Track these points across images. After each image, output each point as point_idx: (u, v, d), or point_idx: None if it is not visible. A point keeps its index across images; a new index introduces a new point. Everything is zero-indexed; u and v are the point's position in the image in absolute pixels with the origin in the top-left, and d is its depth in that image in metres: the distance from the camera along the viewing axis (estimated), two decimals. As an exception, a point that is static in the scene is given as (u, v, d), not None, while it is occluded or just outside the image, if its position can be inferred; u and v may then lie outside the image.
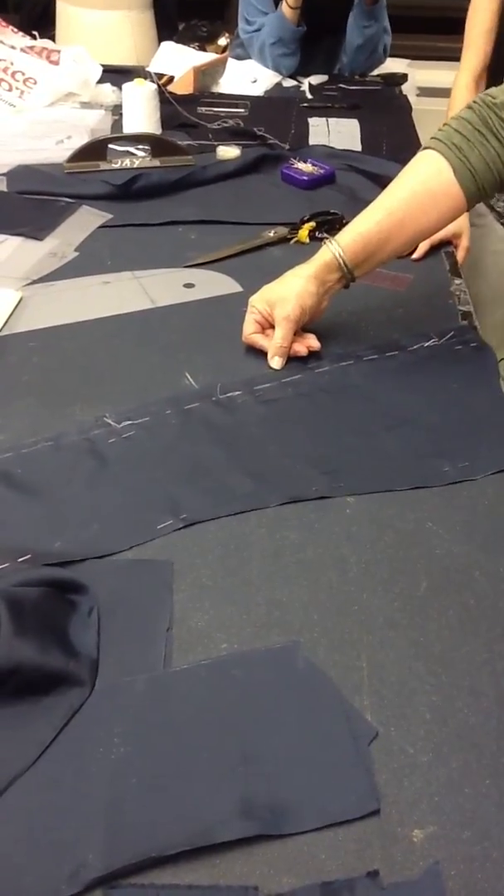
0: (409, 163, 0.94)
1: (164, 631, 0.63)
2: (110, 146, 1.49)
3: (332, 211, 1.25)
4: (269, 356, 0.94)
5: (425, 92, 2.63)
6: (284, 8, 1.84)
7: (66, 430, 0.84)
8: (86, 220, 1.30)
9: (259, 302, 0.95)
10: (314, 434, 0.84)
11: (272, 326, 0.95)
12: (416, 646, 0.62)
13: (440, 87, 2.58)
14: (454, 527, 0.73)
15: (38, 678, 0.58)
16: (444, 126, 0.92)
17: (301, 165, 1.42)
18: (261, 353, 0.96)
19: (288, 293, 0.93)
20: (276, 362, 0.94)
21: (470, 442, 0.82)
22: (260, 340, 0.96)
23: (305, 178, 1.39)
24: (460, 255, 1.20)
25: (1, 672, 0.56)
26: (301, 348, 0.95)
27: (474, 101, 0.92)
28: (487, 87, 1.24)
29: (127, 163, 1.48)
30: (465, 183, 0.89)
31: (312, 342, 0.96)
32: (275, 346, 0.94)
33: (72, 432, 0.84)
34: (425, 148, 0.93)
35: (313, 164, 1.42)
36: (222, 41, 2.64)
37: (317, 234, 1.22)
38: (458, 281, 1.12)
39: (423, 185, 0.90)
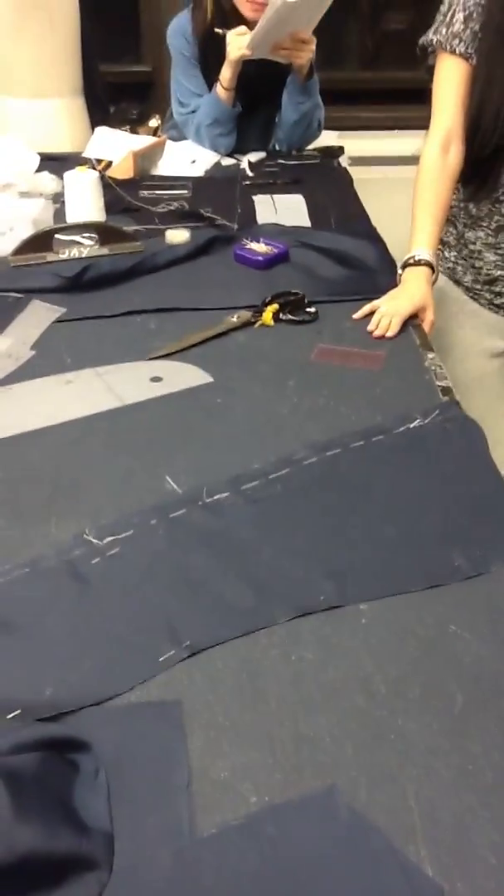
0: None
1: (184, 788, 0.56)
2: (56, 236, 1.45)
3: (293, 291, 1.23)
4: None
5: (357, 161, 2.69)
6: (219, 90, 1.86)
7: (43, 553, 0.77)
8: (38, 316, 1.24)
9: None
10: (312, 532, 0.79)
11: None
12: (465, 774, 0.56)
13: (371, 156, 2.65)
14: (477, 627, 0.68)
15: (48, 867, 0.50)
16: None
17: (254, 245, 1.40)
18: (242, 447, 0.92)
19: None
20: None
21: (477, 530, 0.78)
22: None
23: (261, 258, 1.37)
24: (426, 327, 1.19)
25: (3, 867, 0.48)
26: None
27: None
28: (464, 147, 1.28)
29: (75, 252, 1.44)
30: None
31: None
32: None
33: (49, 555, 0.77)
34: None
35: (266, 244, 1.40)
36: (153, 122, 2.65)
37: (280, 315, 1.19)
38: (430, 355, 1.10)
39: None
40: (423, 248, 1.25)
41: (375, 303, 1.21)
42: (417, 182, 1.31)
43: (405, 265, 1.26)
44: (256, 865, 0.51)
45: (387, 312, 1.17)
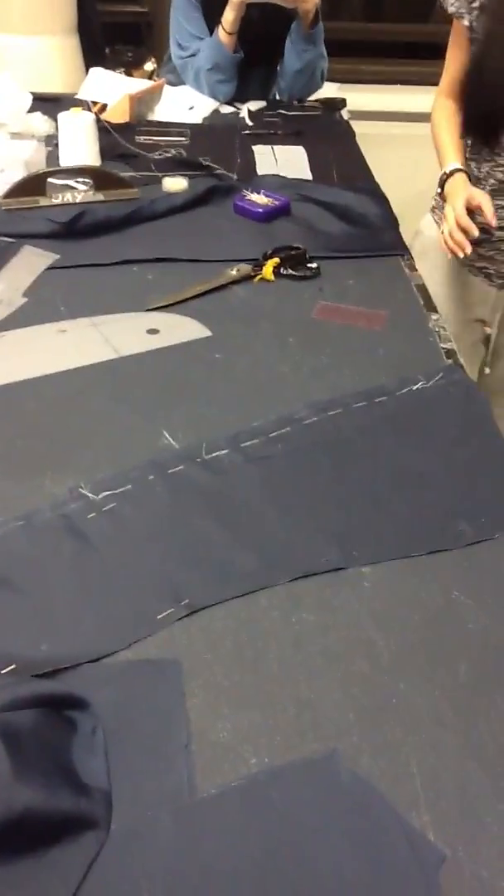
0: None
1: (183, 748, 0.55)
2: (49, 180, 1.40)
3: (294, 245, 1.20)
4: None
5: (357, 115, 2.63)
6: (220, 34, 1.79)
7: (38, 507, 0.75)
8: (31, 262, 1.20)
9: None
10: (314, 493, 0.77)
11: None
12: (469, 745, 0.55)
13: (371, 111, 2.59)
14: (482, 595, 0.67)
15: (46, 826, 0.49)
16: None
17: (254, 197, 1.36)
18: (241, 404, 0.89)
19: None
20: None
21: (482, 496, 0.77)
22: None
23: (260, 210, 1.33)
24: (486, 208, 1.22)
25: (3, 825, 0.47)
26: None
27: None
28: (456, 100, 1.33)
29: (69, 197, 1.39)
30: None
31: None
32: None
33: (44, 508, 0.74)
34: None
35: (266, 196, 1.36)
36: (148, 66, 2.57)
37: (281, 270, 1.16)
38: (434, 316, 1.08)
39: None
40: (454, 161, 1.31)
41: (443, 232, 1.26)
42: (433, 119, 1.38)
43: (442, 183, 1.32)
44: (256, 827, 0.50)
45: (452, 227, 1.23)
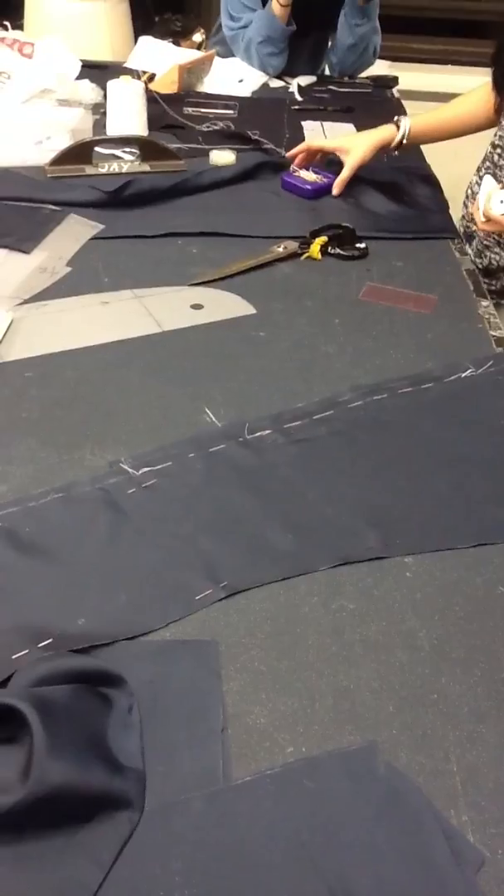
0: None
1: (219, 731, 0.54)
2: (96, 149, 1.39)
3: (343, 224, 1.17)
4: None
5: (406, 95, 2.57)
6: (274, 5, 1.75)
7: (77, 479, 0.74)
8: (76, 231, 1.19)
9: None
10: (357, 478, 0.76)
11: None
12: (512, 742, 0.54)
13: (423, 91, 2.53)
14: (528, 591, 0.65)
15: (79, 803, 0.48)
16: None
17: (303, 174, 1.33)
18: (285, 384, 0.88)
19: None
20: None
21: (530, 489, 0.75)
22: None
23: (309, 187, 1.30)
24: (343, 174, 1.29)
25: (35, 801, 0.46)
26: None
27: None
28: None
29: (115, 167, 1.38)
30: None
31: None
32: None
33: (84, 481, 0.74)
34: None
35: (316, 173, 1.33)
36: (197, 37, 2.53)
37: (329, 249, 1.14)
38: (485, 303, 1.05)
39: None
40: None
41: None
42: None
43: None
44: (290, 816, 0.49)
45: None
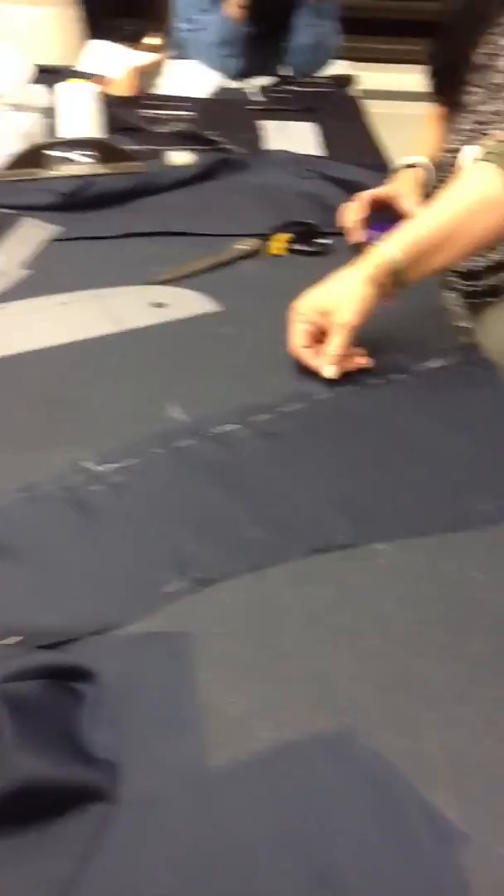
0: (463, 175, 0.93)
1: (194, 721, 0.53)
2: (50, 153, 1.37)
3: (305, 220, 1.17)
4: (322, 365, 0.86)
5: (369, 94, 2.59)
6: (230, 7, 1.76)
7: (40, 478, 0.72)
8: (32, 234, 1.18)
9: (309, 309, 0.87)
10: (326, 470, 0.75)
11: (321, 339, 0.87)
12: (490, 722, 0.54)
13: (384, 90, 2.54)
14: (500, 574, 0.65)
15: (50, 796, 0.47)
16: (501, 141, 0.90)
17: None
18: (250, 380, 0.87)
19: (346, 298, 0.85)
20: (330, 371, 0.86)
21: (499, 477, 0.75)
22: (311, 357, 0.87)
23: None
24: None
25: (7, 795, 0.45)
26: (353, 364, 0.88)
27: None
28: None
29: (70, 170, 1.36)
30: None
31: (362, 359, 0.89)
32: (331, 355, 0.85)
33: (48, 480, 0.72)
34: (478, 161, 0.90)
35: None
36: (149, 40, 2.52)
37: (292, 245, 1.14)
38: (449, 295, 1.06)
39: (479, 195, 0.87)
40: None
41: None
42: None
43: None
44: (270, 801, 0.49)
45: None
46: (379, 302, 0.87)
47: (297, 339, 0.87)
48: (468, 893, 0.44)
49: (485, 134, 1.17)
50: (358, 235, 1.16)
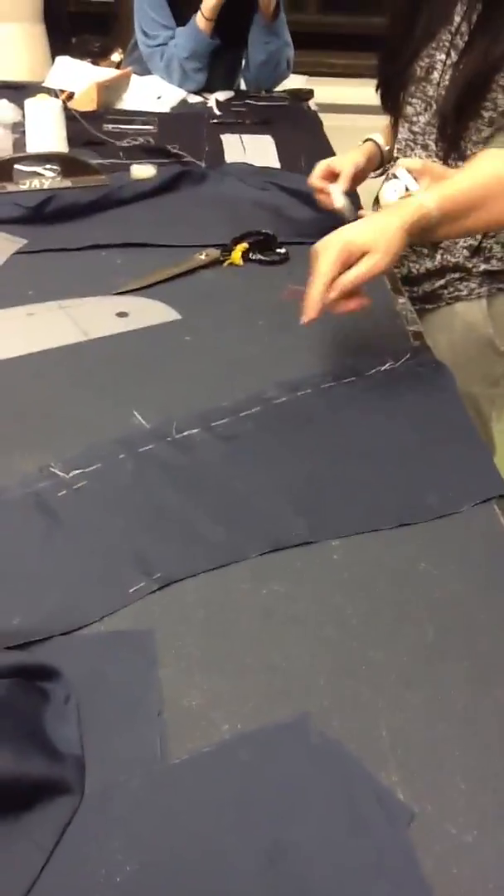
0: (478, 157, 0.92)
1: (156, 715, 0.55)
2: (16, 167, 1.39)
3: (263, 231, 1.20)
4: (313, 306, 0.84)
5: (324, 108, 2.64)
6: (199, 20, 1.79)
7: (6, 484, 0.74)
8: (-2, 247, 1.20)
9: (342, 242, 0.82)
10: (283, 471, 0.78)
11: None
12: (436, 704, 0.56)
13: (340, 104, 2.60)
14: (448, 565, 0.68)
15: (17, 791, 0.49)
16: None
17: None
18: (211, 385, 0.90)
19: (382, 240, 0.82)
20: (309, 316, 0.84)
21: (448, 470, 0.78)
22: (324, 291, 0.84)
23: None
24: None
25: (-27, 792, 0.47)
26: (356, 303, 0.86)
27: None
28: None
29: (36, 184, 1.39)
30: None
31: (364, 299, 0.87)
32: (344, 284, 0.83)
33: (14, 486, 0.74)
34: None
35: None
36: (115, 57, 2.55)
37: (250, 255, 1.17)
38: (401, 300, 1.09)
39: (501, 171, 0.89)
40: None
41: None
42: None
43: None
44: (229, 790, 0.51)
45: None
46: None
47: (326, 268, 0.83)
48: (418, 869, 0.47)
49: (418, 144, 1.21)
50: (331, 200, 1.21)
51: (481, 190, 0.88)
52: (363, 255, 0.82)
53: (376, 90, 1.28)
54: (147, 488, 0.75)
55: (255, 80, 1.98)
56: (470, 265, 1.29)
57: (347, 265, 0.83)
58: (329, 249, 0.83)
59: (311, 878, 0.46)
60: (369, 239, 0.83)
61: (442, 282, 1.26)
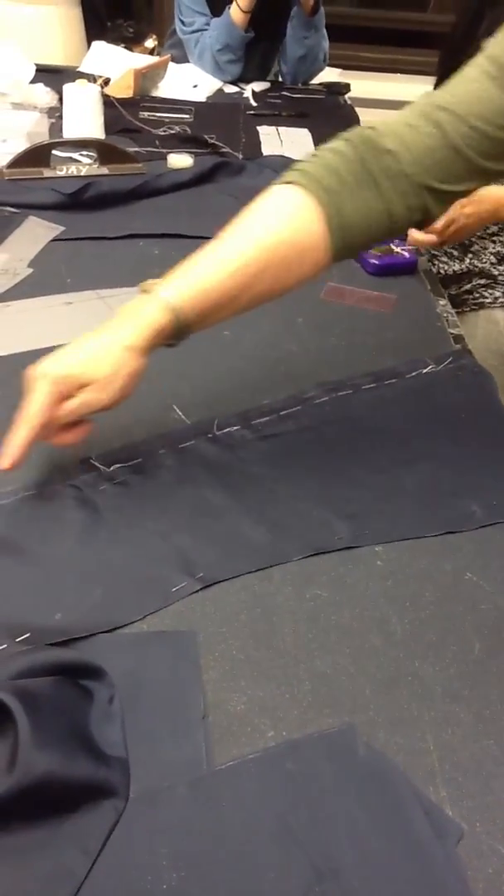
0: (270, 198, 0.70)
1: (200, 719, 0.54)
2: (53, 152, 1.38)
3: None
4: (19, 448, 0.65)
5: (356, 102, 2.61)
6: (234, 12, 1.77)
7: (47, 476, 0.74)
8: (36, 233, 1.19)
9: (60, 377, 0.66)
10: (324, 473, 0.77)
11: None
12: (484, 720, 0.56)
13: (373, 98, 2.57)
14: (495, 577, 0.67)
15: (65, 793, 0.48)
16: (313, 156, 0.70)
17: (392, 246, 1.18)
18: (251, 382, 0.89)
19: (105, 375, 0.66)
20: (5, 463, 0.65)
21: (492, 478, 0.77)
22: (32, 435, 0.65)
23: (374, 261, 1.14)
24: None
25: (22, 791, 0.46)
26: (71, 437, 0.70)
27: (351, 136, 0.70)
28: None
29: (73, 170, 1.37)
30: (335, 241, 0.69)
31: (82, 430, 0.71)
32: (66, 441, 0.69)
33: (54, 478, 0.74)
34: (288, 182, 0.70)
35: (400, 247, 1.18)
36: (149, 43, 2.54)
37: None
38: (442, 302, 1.08)
39: (292, 234, 0.68)
40: None
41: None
42: None
43: None
44: (273, 799, 0.50)
45: None
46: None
47: (34, 407, 0.65)
48: (466, 888, 0.46)
49: None
50: None
51: (242, 277, 0.68)
52: (80, 387, 0.66)
53: (435, 87, 1.26)
54: (188, 485, 0.74)
55: (293, 74, 1.95)
56: (496, 272, 1.28)
57: (63, 399, 0.66)
58: (38, 388, 0.65)
59: (359, 893, 0.45)
60: (87, 369, 0.66)
61: (468, 286, 1.25)
